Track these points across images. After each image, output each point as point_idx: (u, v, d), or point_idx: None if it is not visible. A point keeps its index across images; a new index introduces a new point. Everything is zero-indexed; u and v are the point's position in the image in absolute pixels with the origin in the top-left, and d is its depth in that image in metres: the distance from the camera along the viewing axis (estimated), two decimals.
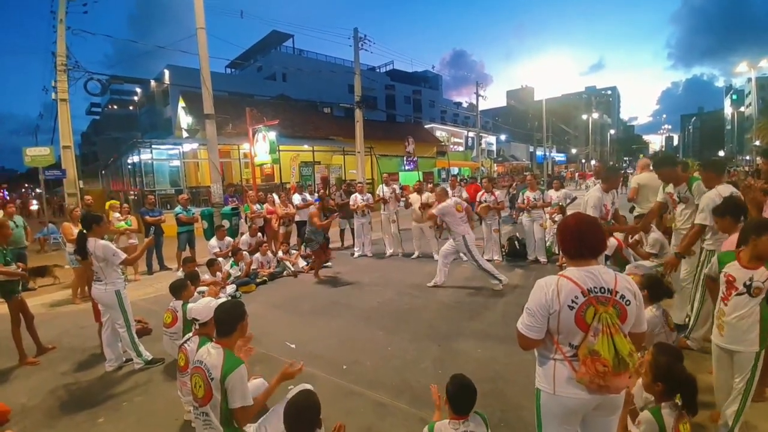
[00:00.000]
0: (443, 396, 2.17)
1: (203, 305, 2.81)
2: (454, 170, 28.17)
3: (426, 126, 36.06)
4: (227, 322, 2.30)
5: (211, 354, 2.22)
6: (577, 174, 39.14)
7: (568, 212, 7.91)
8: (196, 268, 6.08)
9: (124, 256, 3.96)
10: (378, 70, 43.59)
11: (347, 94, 25.02)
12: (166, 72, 27.53)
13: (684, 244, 3.63)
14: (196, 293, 4.41)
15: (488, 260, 7.70)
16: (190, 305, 3.68)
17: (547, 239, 7.66)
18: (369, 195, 9.41)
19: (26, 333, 4.37)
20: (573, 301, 1.65)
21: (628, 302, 1.69)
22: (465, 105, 56.23)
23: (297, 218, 9.19)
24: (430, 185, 11.75)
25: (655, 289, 2.99)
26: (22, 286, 4.61)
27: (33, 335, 4.43)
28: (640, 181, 6.11)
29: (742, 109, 61.85)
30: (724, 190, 3.55)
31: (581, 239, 1.77)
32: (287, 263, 7.73)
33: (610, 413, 1.80)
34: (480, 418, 2.08)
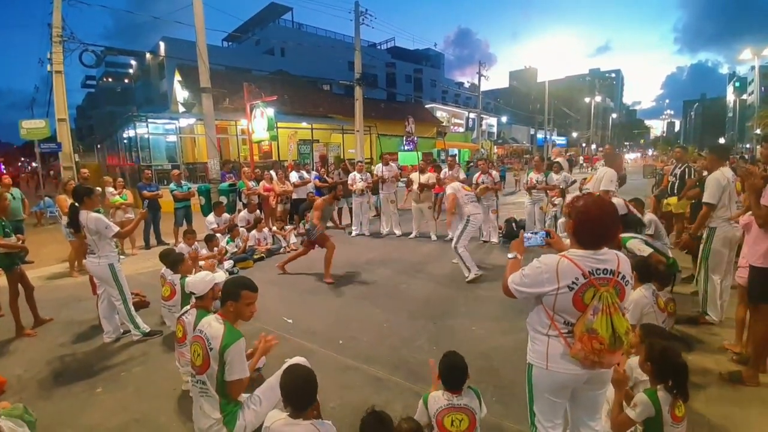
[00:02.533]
0: (436, 375, 2.20)
1: (199, 279, 2.82)
2: (453, 151, 28.00)
3: (426, 106, 35.63)
4: (222, 296, 2.36)
5: (212, 326, 2.25)
6: (582, 158, 38.62)
7: (568, 195, 7.91)
8: (196, 243, 6.09)
9: (116, 228, 3.91)
10: (379, 47, 42.79)
11: (347, 71, 24.55)
12: (162, 44, 26.91)
13: (696, 225, 3.97)
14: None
15: (485, 241, 7.77)
16: (187, 279, 3.71)
17: (546, 222, 7.66)
18: (368, 174, 9.36)
19: (24, 305, 4.38)
20: (573, 282, 1.66)
21: (627, 282, 1.73)
22: (467, 85, 55.46)
23: (294, 196, 9.16)
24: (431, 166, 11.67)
25: (644, 270, 3.06)
26: (20, 259, 4.60)
27: (32, 306, 4.44)
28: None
29: (745, 96, 61.15)
30: (727, 171, 3.81)
31: (601, 230, 1.73)
32: (279, 237, 7.73)
33: (599, 387, 1.85)
34: (473, 392, 2.12)
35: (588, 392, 1.84)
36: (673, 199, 6.41)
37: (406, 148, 21.26)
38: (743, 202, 3.70)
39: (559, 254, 1.75)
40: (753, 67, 36.64)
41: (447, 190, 5.88)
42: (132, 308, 4.03)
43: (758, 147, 3.56)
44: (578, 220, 1.74)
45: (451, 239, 7.88)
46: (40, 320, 4.48)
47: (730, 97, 71.75)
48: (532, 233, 2.04)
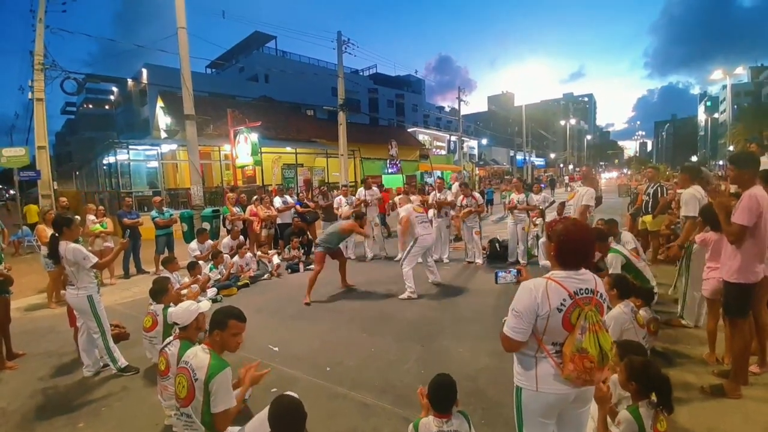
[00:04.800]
0: (425, 398, 2.20)
1: (183, 309, 2.79)
2: (437, 173, 28.43)
3: (409, 130, 36.30)
4: (209, 325, 2.34)
5: (198, 356, 2.22)
6: (567, 178, 40.15)
7: (547, 215, 8.12)
8: (175, 273, 5.97)
9: (95, 259, 3.81)
10: (362, 74, 43.70)
11: (330, 97, 25.00)
12: (144, 71, 26.96)
13: (683, 237, 4.14)
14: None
15: (470, 262, 7.85)
16: (170, 309, 3.65)
17: (528, 242, 7.81)
18: (354, 198, 9.43)
19: None
20: (562, 304, 1.71)
21: (604, 300, 1.81)
22: (447, 109, 56.84)
23: (279, 221, 9.14)
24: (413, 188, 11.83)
25: (623, 287, 3.16)
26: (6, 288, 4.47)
27: (6, 339, 4.29)
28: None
29: (716, 115, 63.76)
30: (698, 189, 4.10)
31: (582, 250, 1.81)
32: (264, 262, 7.68)
33: (584, 405, 1.89)
34: (462, 416, 2.13)
35: (573, 411, 1.87)
36: (648, 217, 6.65)
37: (389, 171, 21.57)
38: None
39: (543, 278, 1.80)
40: (725, 86, 38.42)
41: (401, 213, 6.19)
42: (110, 341, 3.91)
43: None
44: (560, 242, 1.81)
45: (436, 260, 8.03)
46: (13, 354, 4.31)
47: (702, 116, 74.80)
48: (505, 272, 2.16)
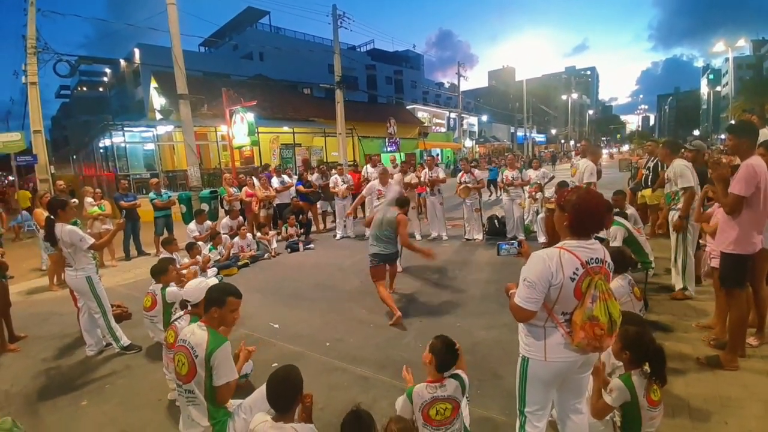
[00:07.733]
0: (428, 356, 2.22)
1: (194, 286, 2.81)
2: (436, 151, 28.22)
3: (408, 107, 35.76)
4: (204, 303, 2.39)
5: (196, 333, 2.26)
6: (573, 152, 39.84)
7: (546, 190, 8.08)
8: (176, 254, 6.00)
9: (91, 240, 3.81)
10: (359, 50, 42.82)
11: (327, 75, 24.47)
12: (137, 51, 26.40)
13: (684, 207, 4.14)
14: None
15: (468, 240, 7.85)
16: (170, 289, 3.69)
17: (526, 217, 7.79)
18: (349, 176, 9.37)
19: None
20: (574, 273, 1.73)
21: (611, 269, 1.85)
22: (447, 85, 55.95)
23: (277, 201, 9.11)
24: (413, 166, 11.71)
25: (620, 261, 3.14)
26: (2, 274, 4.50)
27: (7, 322, 4.34)
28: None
29: (719, 88, 62.46)
30: (681, 162, 4.22)
31: (596, 220, 1.83)
32: (265, 243, 7.70)
33: (588, 369, 1.94)
34: (456, 382, 2.15)
35: (577, 375, 1.91)
36: (648, 191, 6.62)
37: (388, 149, 21.37)
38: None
39: (555, 247, 1.81)
40: (727, 59, 37.61)
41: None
42: (112, 321, 3.96)
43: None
44: (576, 213, 1.80)
45: (435, 238, 8.06)
46: (15, 336, 4.37)
47: (704, 89, 73.39)
48: (507, 245, 2.22)
